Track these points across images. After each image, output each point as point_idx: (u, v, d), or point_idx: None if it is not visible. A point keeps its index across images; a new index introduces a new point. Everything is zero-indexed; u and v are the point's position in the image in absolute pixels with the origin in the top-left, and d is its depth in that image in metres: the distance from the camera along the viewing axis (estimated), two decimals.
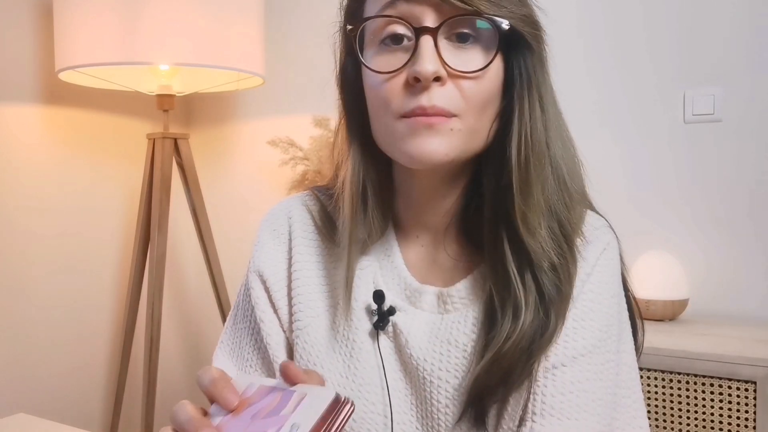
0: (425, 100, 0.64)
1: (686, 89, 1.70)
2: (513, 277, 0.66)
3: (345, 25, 0.73)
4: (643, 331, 0.78)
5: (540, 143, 0.67)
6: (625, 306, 0.75)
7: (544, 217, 0.67)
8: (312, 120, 1.98)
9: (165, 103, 1.90)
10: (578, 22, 1.80)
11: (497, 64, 0.66)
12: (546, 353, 0.66)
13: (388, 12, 0.65)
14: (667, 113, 1.72)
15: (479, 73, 0.64)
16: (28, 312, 1.95)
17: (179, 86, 2.01)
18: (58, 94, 1.98)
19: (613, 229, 0.75)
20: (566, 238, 0.68)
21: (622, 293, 0.75)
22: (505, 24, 0.63)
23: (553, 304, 0.66)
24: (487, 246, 0.69)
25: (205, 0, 1.69)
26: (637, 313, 0.77)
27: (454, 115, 0.65)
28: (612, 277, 0.72)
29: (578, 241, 0.70)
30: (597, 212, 0.76)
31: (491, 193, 0.69)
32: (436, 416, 0.70)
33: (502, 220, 0.67)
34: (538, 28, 0.67)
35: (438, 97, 0.64)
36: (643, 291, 1.55)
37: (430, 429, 0.70)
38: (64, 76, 1.81)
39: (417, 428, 0.71)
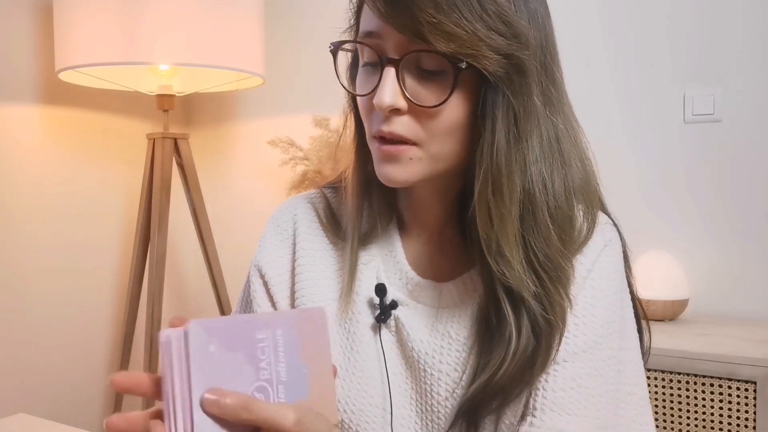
0: (385, 126, 0.66)
1: (686, 89, 1.70)
2: (503, 304, 0.67)
3: (348, 30, 0.74)
4: (650, 334, 0.78)
5: (502, 175, 0.65)
6: (630, 304, 0.75)
7: (521, 248, 0.66)
8: (312, 120, 1.98)
9: (165, 103, 1.90)
10: (577, 24, 1.80)
11: (459, 98, 0.64)
12: (543, 372, 0.66)
13: (363, 38, 0.67)
14: (667, 113, 1.72)
15: (436, 108, 0.64)
16: (28, 312, 1.95)
17: (179, 86, 2.01)
18: (58, 94, 1.98)
19: (617, 227, 0.76)
20: (546, 271, 0.67)
21: (626, 290, 0.75)
22: (462, 64, 0.62)
23: (542, 333, 0.66)
24: (480, 270, 0.70)
25: (205, 0, 1.69)
26: (642, 316, 0.77)
27: (415, 144, 0.66)
28: (613, 273, 0.72)
29: (569, 270, 0.69)
30: (606, 212, 0.76)
31: (474, 222, 0.68)
32: (436, 409, 0.71)
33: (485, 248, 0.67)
34: (516, 61, 0.64)
35: (397, 125, 0.65)
36: (643, 291, 1.55)
37: (429, 422, 0.71)
38: (64, 76, 1.81)
39: (416, 422, 0.72)
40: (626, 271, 0.76)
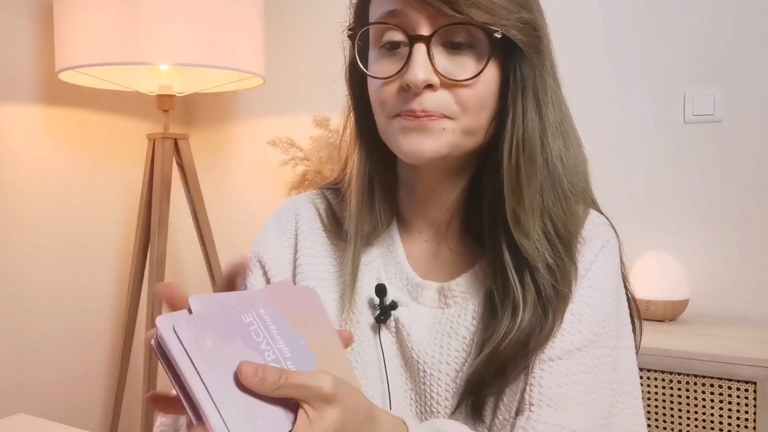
0: (416, 104, 0.65)
1: (686, 89, 1.70)
2: (511, 276, 0.68)
3: (352, 22, 0.74)
4: (641, 331, 0.78)
5: (533, 146, 0.67)
6: (625, 305, 0.75)
7: (539, 219, 0.68)
8: (312, 120, 1.98)
9: (165, 103, 1.90)
10: (578, 24, 1.80)
11: (491, 70, 0.66)
12: (543, 348, 0.67)
13: (386, 19, 0.66)
14: (667, 113, 1.72)
15: (472, 80, 0.65)
16: (28, 312, 1.95)
17: (179, 86, 2.01)
18: (58, 94, 1.98)
19: (613, 227, 0.76)
20: (561, 240, 0.69)
21: (622, 290, 0.75)
22: (497, 33, 0.63)
23: (550, 304, 0.67)
24: (487, 244, 0.71)
25: (205, 0, 1.69)
26: (636, 314, 0.77)
27: (447, 117, 0.66)
28: (610, 273, 0.72)
29: (579, 240, 0.71)
30: (600, 211, 0.77)
31: (489, 194, 0.70)
32: (435, 408, 0.71)
33: (500, 220, 0.68)
34: (538, 32, 0.67)
35: (429, 101, 0.65)
36: (643, 291, 1.55)
37: None
38: (64, 76, 1.81)
39: None
40: (622, 269, 0.76)
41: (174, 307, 0.53)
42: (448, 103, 0.66)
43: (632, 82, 1.76)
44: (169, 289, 0.54)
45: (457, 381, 0.70)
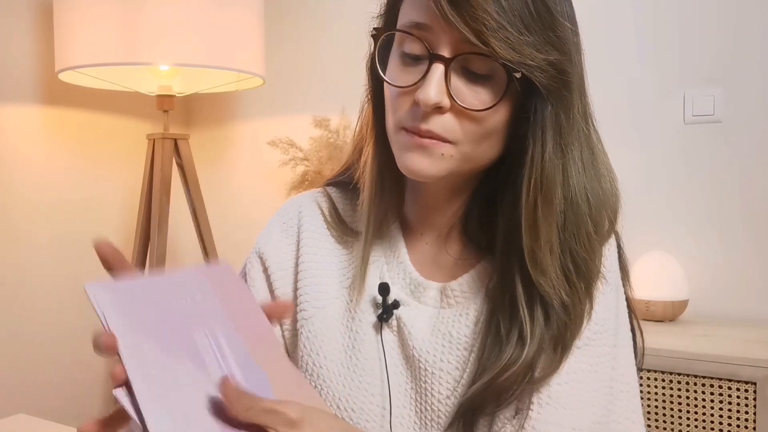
0: (423, 123, 0.65)
1: (686, 89, 1.70)
2: (521, 310, 0.67)
3: (380, 16, 0.73)
4: (642, 336, 0.78)
5: (551, 186, 0.66)
6: (624, 304, 0.75)
7: (558, 257, 0.67)
8: (312, 120, 1.98)
9: (165, 103, 1.90)
10: (577, 23, 1.80)
11: (505, 105, 0.65)
12: (543, 382, 0.67)
13: (411, 29, 0.65)
14: (667, 114, 1.72)
15: (482, 112, 0.64)
16: (28, 312, 1.95)
17: (179, 87, 2.01)
18: (58, 94, 1.98)
19: (615, 230, 0.76)
20: (581, 278, 0.68)
21: (621, 289, 0.75)
22: (517, 74, 0.62)
23: (559, 341, 0.67)
24: (498, 273, 0.70)
25: (205, 0, 1.69)
26: (636, 320, 0.77)
27: (449, 142, 0.66)
28: (608, 273, 0.72)
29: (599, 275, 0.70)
30: (619, 242, 0.77)
31: (504, 229, 0.69)
32: (436, 408, 0.71)
33: (515, 254, 0.68)
34: (564, 75, 0.64)
35: (435, 123, 0.65)
36: (643, 291, 1.55)
37: (428, 422, 0.72)
38: (64, 77, 1.81)
39: (415, 422, 0.72)
40: (621, 274, 0.76)
41: (109, 266, 0.59)
42: (454, 128, 0.65)
43: (633, 82, 1.76)
44: (109, 249, 0.58)
45: (460, 381, 0.70)
